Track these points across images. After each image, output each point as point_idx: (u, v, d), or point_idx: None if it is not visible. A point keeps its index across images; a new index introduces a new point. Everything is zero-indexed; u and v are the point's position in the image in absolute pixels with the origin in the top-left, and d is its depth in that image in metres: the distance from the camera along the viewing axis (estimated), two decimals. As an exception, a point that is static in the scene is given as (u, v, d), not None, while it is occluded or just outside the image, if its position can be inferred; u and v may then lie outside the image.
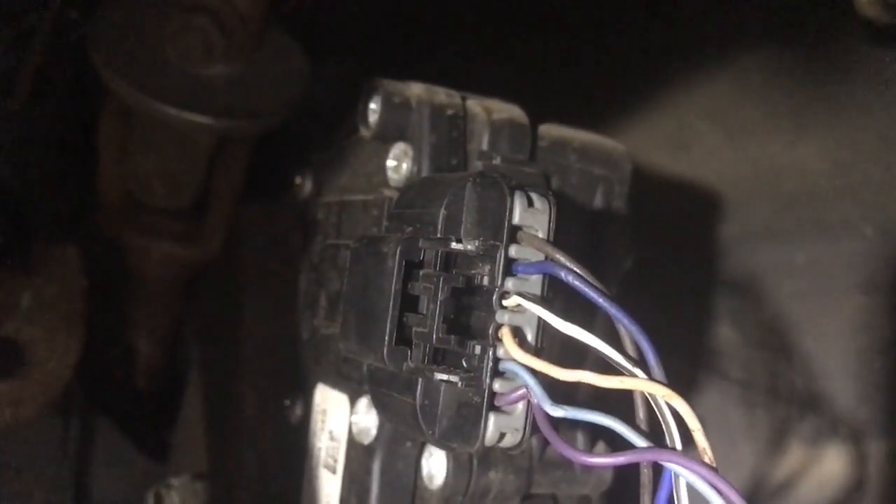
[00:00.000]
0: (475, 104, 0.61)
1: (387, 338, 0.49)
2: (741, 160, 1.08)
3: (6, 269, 0.84)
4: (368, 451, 0.59)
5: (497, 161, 0.60)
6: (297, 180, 0.77)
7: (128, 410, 0.99)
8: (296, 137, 0.93)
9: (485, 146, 0.60)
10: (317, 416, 0.68)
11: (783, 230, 1.05)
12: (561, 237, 0.56)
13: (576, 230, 0.62)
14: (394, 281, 0.49)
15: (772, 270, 1.03)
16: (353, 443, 0.61)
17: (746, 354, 1.01)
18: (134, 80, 0.87)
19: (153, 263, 0.99)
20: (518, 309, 0.47)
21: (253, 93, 0.92)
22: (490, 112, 0.61)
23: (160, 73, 0.88)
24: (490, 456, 0.57)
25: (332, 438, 0.65)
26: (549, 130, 0.63)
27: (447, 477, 0.56)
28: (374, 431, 0.59)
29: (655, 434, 0.46)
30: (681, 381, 0.99)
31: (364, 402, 0.60)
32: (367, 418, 0.60)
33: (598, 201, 0.64)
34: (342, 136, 0.71)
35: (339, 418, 0.64)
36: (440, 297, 0.47)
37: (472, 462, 0.56)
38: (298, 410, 0.71)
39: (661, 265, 1.03)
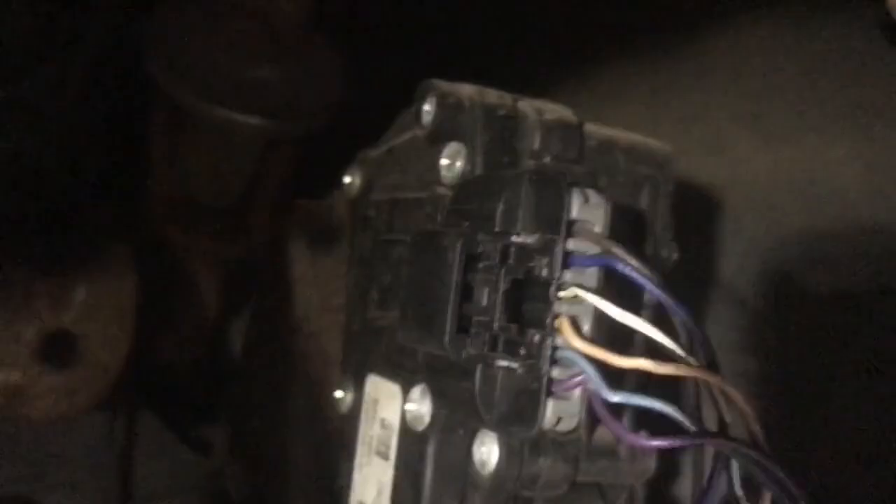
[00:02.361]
0: (526, 105, 0.63)
1: (448, 326, 0.51)
2: (775, 163, 1.10)
3: (61, 263, 0.87)
4: (422, 437, 0.61)
5: (548, 160, 0.62)
6: (347, 179, 0.79)
7: (174, 403, 1.02)
8: (343, 136, 0.95)
9: (536, 146, 0.62)
10: (368, 406, 0.70)
11: (815, 231, 1.07)
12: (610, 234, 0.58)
13: (622, 228, 0.64)
14: (455, 273, 0.51)
15: (804, 271, 1.05)
16: (405, 430, 0.63)
17: (780, 352, 1.02)
18: (185, 83, 0.90)
19: (199, 260, 1.02)
20: (575, 299, 0.49)
21: (300, 94, 0.95)
22: (541, 112, 0.63)
23: (210, 76, 0.90)
24: (541, 443, 0.58)
25: (383, 427, 0.67)
26: (596, 130, 0.65)
27: (499, 462, 0.58)
28: (427, 419, 0.61)
29: (706, 421, 0.48)
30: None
31: (418, 391, 0.62)
32: (420, 406, 0.62)
33: (644, 200, 0.65)
34: (392, 136, 0.73)
35: (391, 407, 0.66)
36: (502, 287, 0.49)
37: (523, 449, 0.58)
38: (349, 401, 0.74)
39: (691, 269, 1.05)
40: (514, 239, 0.50)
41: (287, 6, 0.90)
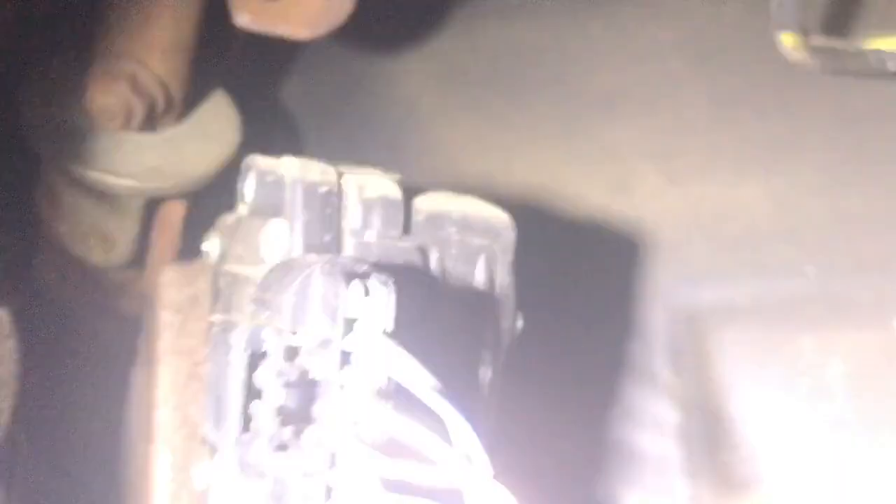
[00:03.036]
0: (349, 180, 0.62)
1: (233, 429, 0.50)
2: (682, 202, 1.08)
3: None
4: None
5: (370, 237, 0.60)
6: (205, 246, 0.77)
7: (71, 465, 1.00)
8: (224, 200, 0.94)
9: (357, 223, 0.60)
10: (216, 486, 0.68)
11: (724, 272, 1.05)
12: (441, 310, 0.56)
13: (457, 301, 0.63)
14: (239, 372, 0.50)
15: (712, 313, 1.03)
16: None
17: (685, 399, 1.01)
18: (60, 146, 0.89)
19: (93, 319, 1.01)
20: (354, 402, 0.48)
21: (182, 153, 0.94)
22: (364, 188, 0.61)
23: (85, 138, 0.89)
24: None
25: (226, 510, 0.65)
26: (426, 204, 0.63)
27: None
28: (251, 508, 0.60)
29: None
30: (615, 430, 0.99)
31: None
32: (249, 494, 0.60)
33: (479, 271, 0.64)
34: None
35: (232, 491, 0.65)
36: (276, 390, 0.48)
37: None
38: (204, 478, 0.72)
39: (599, 310, 1.03)
40: (293, 339, 0.48)
41: (161, 69, 0.88)
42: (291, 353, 0.49)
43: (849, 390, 0.98)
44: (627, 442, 0.99)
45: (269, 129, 1.10)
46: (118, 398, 0.97)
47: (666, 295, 1.05)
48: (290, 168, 0.62)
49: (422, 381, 0.46)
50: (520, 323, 0.66)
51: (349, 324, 0.48)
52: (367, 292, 0.49)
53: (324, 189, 0.61)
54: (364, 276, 0.49)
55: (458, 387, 0.50)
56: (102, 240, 0.97)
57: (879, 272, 0.99)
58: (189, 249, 0.98)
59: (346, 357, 0.48)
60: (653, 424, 1.02)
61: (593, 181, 1.10)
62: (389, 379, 0.49)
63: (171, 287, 0.84)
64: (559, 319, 1.00)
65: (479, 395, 0.62)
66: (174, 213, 0.98)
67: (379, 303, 0.49)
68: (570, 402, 0.97)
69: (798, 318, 1.02)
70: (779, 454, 0.98)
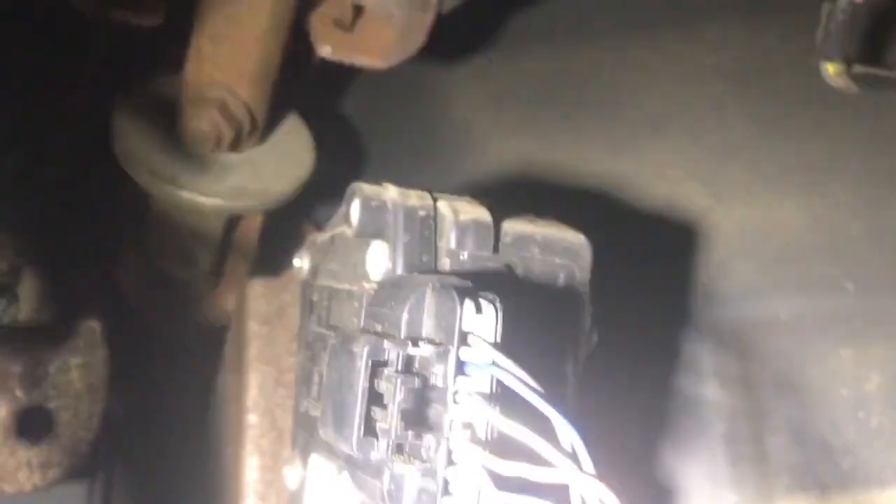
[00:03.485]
0: (444, 205, 0.68)
1: (356, 431, 0.55)
2: (727, 220, 1.13)
3: (34, 341, 0.92)
4: (351, 524, 0.65)
5: (464, 257, 0.66)
6: (296, 261, 0.83)
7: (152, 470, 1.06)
8: (296, 217, 1.00)
9: (453, 244, 0.66)
10: (312, 485, 0.74)
11: (767, 287, 1.10)
12: (526, 322, 0.62)
13: (540, 314, 0.68)
14: (361, 379, 0.55)
15: (756, 326, 1.08)
16: (339, 513, 0.67)
17: (731, 408, 1.06)
18: (149, 166, 0.95)
19: (176, 328, 1.07)
20: (468, 406, 0.54)
21: (262, 173, 0.99)
22: (457, 213, 0.67)
23: (173, 159, 0.95)
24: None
25: (323, 506, 0.71)
26: (512, 227, 0.69)
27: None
28: (356, 505, 0.65)
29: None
30: (666, 437, 1.04)
31: (346, 479, 0.66)
32: (350, 493, 0.66)
33: (560, 288, 0.70)
34: (335, 223, 0.77)
35: (329, 490, 0.70)
36: (398, 397, 0.54)
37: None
38: (297, 477, 0.78)
39: (648, 324, 1.08)
40: (412, 350, 0.54)
41: (248, 96, 0.94)
42: (409, 362, 0.55)
43: (886, 401, 1.04)
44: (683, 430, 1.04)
45: (333, 150, 1.16)
46: (201, 403, 1.04)
47: (712, 309, 1.10)
48: (392, 194, 0.67)
49: (528, 387, 0.52)
50: (595, 337, 0.72)
51: (462, 336, 0.54)
52: (477, 309, 0.55)
53: (422, 213, 0.66)
54: (472, 294, 0.55)
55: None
56: (185, 254, 1.03)
57: (916, 288, 1.04)
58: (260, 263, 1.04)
59: (460, 366, 0.54)
60: (699, 434, 1.07)
61: (642, 200, 1.15)
62: (499, 385, 0.54)
63: (258, 299, 0.90)
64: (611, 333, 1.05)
65: (562, 404, 0.67)
66: (251, 229, 1.05)
67: (488, 318, 0.55)
68: (629, 407, 1.02)
69: (838, 331, 1.07)
70: (819, 461, 1.03)
